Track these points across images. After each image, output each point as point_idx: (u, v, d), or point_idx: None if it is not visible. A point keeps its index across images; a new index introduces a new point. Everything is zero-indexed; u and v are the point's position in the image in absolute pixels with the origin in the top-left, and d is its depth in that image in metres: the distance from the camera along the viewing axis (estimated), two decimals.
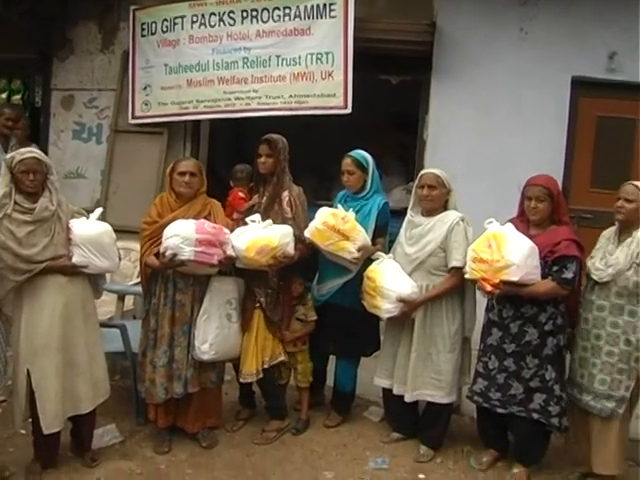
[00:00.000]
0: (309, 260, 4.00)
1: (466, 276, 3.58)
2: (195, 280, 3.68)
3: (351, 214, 3.80)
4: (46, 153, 6.03)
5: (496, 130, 5.60)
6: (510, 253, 3.35)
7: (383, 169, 6.58)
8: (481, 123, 5.61)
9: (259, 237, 3.65)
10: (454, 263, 3.66)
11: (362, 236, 3.78)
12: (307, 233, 3.81)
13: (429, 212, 3.82)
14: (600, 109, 5.63)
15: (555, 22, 5.49)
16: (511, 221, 3.62)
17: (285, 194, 3.89)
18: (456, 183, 5.52)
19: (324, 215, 3.82)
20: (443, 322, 3.75)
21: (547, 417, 3.51)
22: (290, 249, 3.73)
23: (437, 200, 3.78)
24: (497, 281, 3.39)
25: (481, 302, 3.81)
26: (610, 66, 5.50)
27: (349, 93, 5.19)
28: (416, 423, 3.99)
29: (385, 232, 4.06)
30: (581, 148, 5.69)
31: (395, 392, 3.86)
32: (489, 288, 3.43)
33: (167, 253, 3.47)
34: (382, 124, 7.73)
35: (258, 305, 3.84)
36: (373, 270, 3.78)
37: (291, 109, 5.36)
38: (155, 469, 3.63)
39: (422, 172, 3.89)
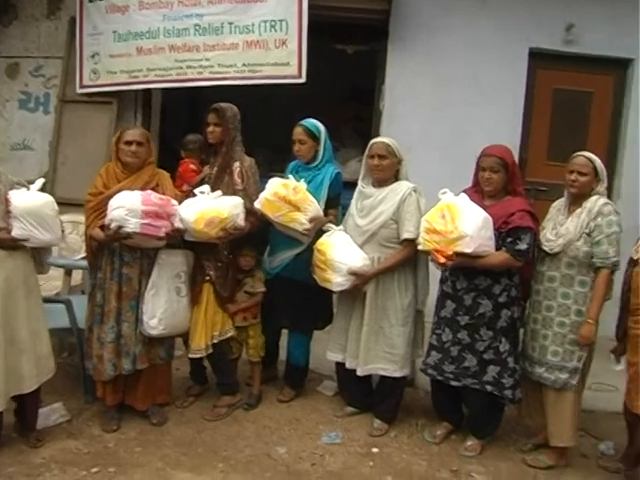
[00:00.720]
0: (260, 232, 3.91)
1: (419, 247, 3.53)
2: (143, 253, 3.57)
3: (302, 184, 3.71)
4: None
5: (453, 101, 5.55)
6: (464, 224, 3.30)
7: (340, 141, 6.53)
8: (438, 94, 5.56)
9: (208, 208, 3.55)
10: (406, 235, 3.61)
11: (314, 207, 3.70)
12: (257, 204, 3.71)
13: (380, 182, 3.75)
14: (557, 81, 5.64)
15: None
16: (465, 192, 3.57)
17: (236, 165, 3.78)
18: (412, 154, 5.46)
19: (275, 186, 3.72)
20: (395, 295, 3.71)
21: (500, 389, 3.51)
22: (240, 221, 3.64)
23: (388, 170, 3.71)
24: (450, 253, 3.34)
25: (435, 274, 3.78)
26: (567, 38, 5.48)
27: (303, 62, 5.07)
28: (370, 397, 3.96)
29: (338, 203, 3.98)
30: (538, 120, 5.69)
31: (347, 366, 3.81)
32: (442, 260, 3.39)
33: (112, 225, 3.35)
34: (339, 95, 7.61)
35: (208, 279, 3.75)
36: (323, 243, 3.70)
37: (244, 78, 5.21)
38: (103, 447, 3.52)
39: (372, 141, 3.80)
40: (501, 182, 3.50)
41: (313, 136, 3.89)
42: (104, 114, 5.66)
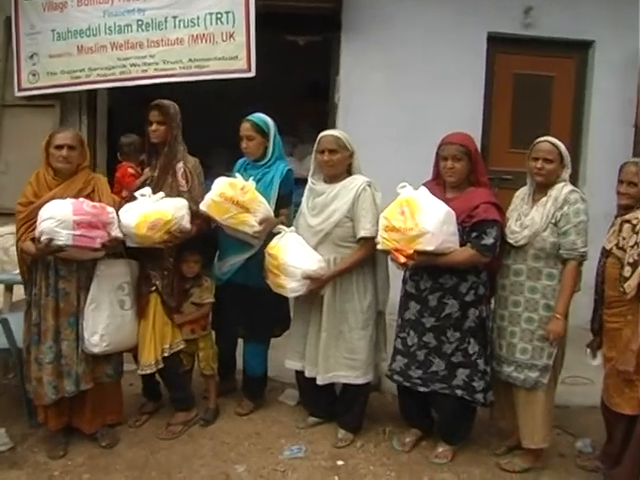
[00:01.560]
0: (206, 236, 3.67)
1: (378, 247, 3.30)
2: (79, 266, 3.32)
3: (251, 183, 3.47)
4: None
5: (411, 90, 5.38)
6: (424, 220, 3.08)
7: (298, 136, 6.30)
8: (395, 83, 5.39)
9: (150, 211, 3.33)
10: (363, 233, 3.39)
11: (264, 207, 3.46)
12: (203, 206, 3.46)
13: (332, 178, 3.52)
14: (517, 66, 5.51)
15: None
16: (425, 185, 3.36)
17: (179, 165, 3.55)
18: (370, 147, 5.30)
19: (221, 186, 3.47)
20: (354, 297, 3.49)
21: (471, 393, 3.32)
22: (186, 223, 3.41)
23: (339, 164, 3.48)
24: (411, 251, 3.12)
25: (397, 272, 3.56)
26: (526, 21, 5.33)
27: (252, 55, 4.84)
28: (334, 405, 3.74)
29: (289, 202, 3.76)
30: (499, 107, 5.54)
31: (307, 374, 3.59)
32: (403, 260, 3.16)
33: (42, 238, 3.10)
34: (297, 89, 7.39)
35: (154, 289, 3.52)
36: (274, 246, 3.46)
37: (191, 74, 4.96)
38: (48, 477, 3.26)
39: (321, 135, 3.54)
40: (464, 171, 3.29)
41: (262, 132, 3.66)
42: (46, 118, 5.35)
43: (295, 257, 3.38)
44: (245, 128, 3.66)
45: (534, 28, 5.31)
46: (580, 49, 5.48)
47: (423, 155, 5.21)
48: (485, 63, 5.38)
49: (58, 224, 3.08)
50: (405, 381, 3.43)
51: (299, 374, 3.72)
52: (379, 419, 3.86)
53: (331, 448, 3.56)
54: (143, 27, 5.00)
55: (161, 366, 3.54)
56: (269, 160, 3.68)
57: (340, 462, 3.44)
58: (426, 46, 5.34)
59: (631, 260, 2.96)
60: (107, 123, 5.90)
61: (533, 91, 5.48)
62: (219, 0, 4.88)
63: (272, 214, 3.53)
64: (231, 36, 4.87)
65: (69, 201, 3.17)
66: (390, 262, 3.46)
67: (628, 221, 3.09)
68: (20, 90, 5.37)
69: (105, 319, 3.33)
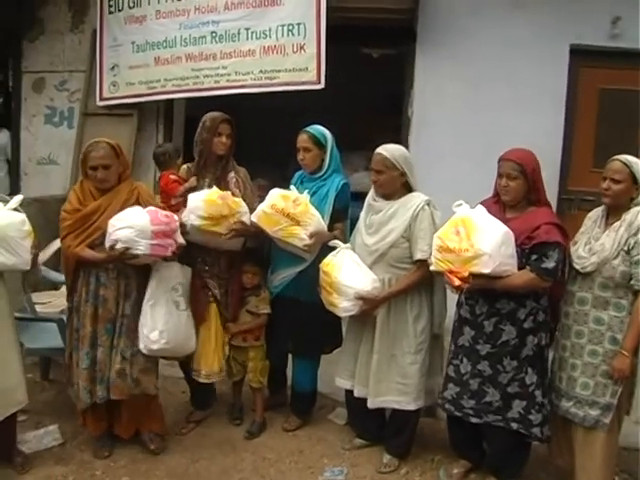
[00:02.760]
0: (264, 248, 3.67)
1: (431, 268, 3.13)
2: (120, 273, 3.32)
3: (305, 196, 3.42)
4: (18, 138, 5.91)
5: (487, 106, 5.18)
6: (481, 241, 2.89)
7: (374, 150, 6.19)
8: (470, 98, 5.20)
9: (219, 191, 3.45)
10: (419, 255, 3.24)
11: (315, 220, 3.39)
12: (254, 217, 3.45)
13: (386, 196, 3.39)
14: (603, 80, 5.18)
15: None
16: (483, 203, 3.18)
17: (231, 175, 3.63)
18: (443, 163, 5.21)
19: (273, 197, 3.45)
20: (408, 320, 3.34)
21: (527, 427, 3.09)
22: (246, 219, 3.45)
23: (387, 185, 3.35)
24: (466, 274, 2.94)
25: (453, 296, 3.39)
26: (613, 32, 5.01)
27: (322, 67, 4.82)
28: (382, 429, 3.60)
29: (345, 217, 3.66)
30: (582, 124, 5.24)
31: (356, 394, 3.47)
32: (457, 282, 2.97)
33: (118, 246, 3.12)
34: (371, 102, 7.29)
35: (212, 299, 3.57)
36: (328, 263, 3.35)
37: (261, 85, 5.01)
38: (90, 475, 3.32)
39: (375, 151, 3.41)
40: (520, 190, 3.08)
41: (319, 144, 3.60)
42: (125, 126, 5.57)
43: (349, 276, 3.27)
44: (302, 140, 3.61)
45: (622, 39, 4.98)
46: None
47: None
48: (567, 77, 5.10)
49: (137, 234, 3.11)
50: (457, 411, 3.23)
51: (349, 393, 3.60)
52: (429, 446, 3.68)
53: (374, 473, 3.43)
54: (217, 39, 5.11)
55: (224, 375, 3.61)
56: (325, 173, 3.62)
57: None
58: (504, 60, 5.13)
59: None
60: (185, 132, 6.05)
61: (620, 107, 5.14)
62: (291, 12, 4.91)
63: (325, 228, 3.46)
64: (302, 48, 4.88)
65: (145, 211, 3.21)
66: (445, 285, 3.31)
67: None
68: (102, 100, 5.61)
69: (163, 316, 3.33)
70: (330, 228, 3.52)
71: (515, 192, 3.09)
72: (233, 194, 3.53)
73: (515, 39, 5.10)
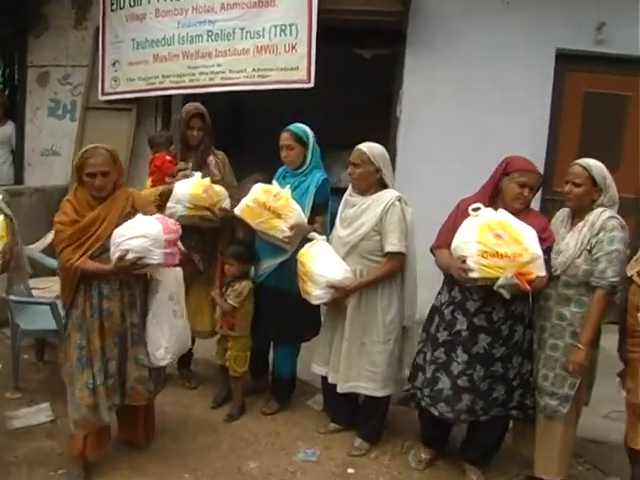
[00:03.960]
0: (250, 245, 3.90)
1: (473, 275, 2.94)
2: (122, 283, 3.19)
3: (286, 191, 3.62)
4: (23, 130, 6.11)
5: (474, 107, 5.32)
6: (532, 244, 2.91)
7: None
8: (459, 99, 5.34)
9: (204, 180, 3.84)
10: (389, 248, 3.41)
11: (296, 214, 3.60)
12: (237, 211, 3.68)
13: (361, 191, 3.56)
14: (588, 84, 5.31)
15: None
16: (467, 201, 3.24)
17: (210, 158, 4.07)
18: (431, 162, 5.35)
19: (255, 191, 3.65)
20: (377, 310, 3.50)
21: (525, 411, 3.27)
22: (227, 204, 3.88)
23: (362, 179, 3.51)
24: (533, 276, 2.89)
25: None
26: (598, 37, 5.13)
27: (312, 66, 4.97)
28: (355, 414, 3.78)
29: (325, 210, 3.83)
30: (567, 126, 5.37)
31: (330, 381, 3.66)
32: (527, 286, 2.90)
33: (129, 256, 2.98)
34: (363, 101, 7.43)
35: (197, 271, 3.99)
36: (304, 253, 3.53)
37: (254, 83, 5.18)
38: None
39: (355, 147, 3.57)
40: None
41: (301, 141, 3.77)
42: (124, 120, 5.75)
43: (322, 266, 3.44)
44: (285, 138, 3.78)
45: (607, 45, 5.10)
46: None
47: (485, 172, 5.19)
48: (553, 81, 5.22)
49: (152, 243, 3.00)
50: (471, 416, 3.25)
51: (324, 379, 3.78)
52: (401, 433, 3.84)
53: (345, 455, 3.60)
54: (213, 37, 5.27)
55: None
56: (306, 168, 3.79)
57: (351, 470, 3.48)
58: (491, 62, 5.26)
59: None
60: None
61: (605, 111, 5.27)
62: (284, 13, 5.06)
63: (305, 221, 3.65)
64: (293, 47, 5.03)
65: (154, 219, 3.11)
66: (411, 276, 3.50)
67: None
68: (103, 94, 5.80)
69: (167, 331, 3.29)
70: (311, 221, 3.70)
71: (529, 202, 3.19)
72: (214, 175, 3.97)
73: (503, 41, 5.24)
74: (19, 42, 6.18)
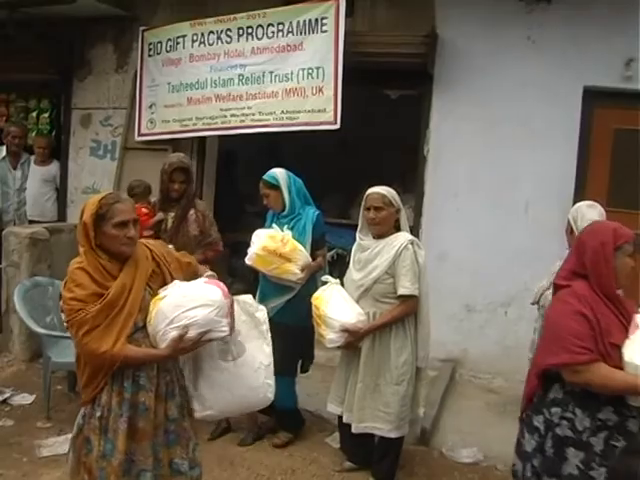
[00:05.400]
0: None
1: None
2: (159, 368, 2.56)
3: (288, 233, 3.79)
4: (66, 169, 6.41)
5: (501, 145, 5.31)
6: None
7: (404, 186, 6.40)
8: (485, 138, 5.34)
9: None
10: (402, 291, 3.45)
11: (303, 255, 3.80)
12: (248, 261, 3.88)
13: (379, 236, 3.61)
14: (617, 121, 5.22)
15: (565, 28, 5.13)
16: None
17: (191, 212, 4.18)
18: (458, 200, 5.38)
19: (262, 239, 3.84)
20: (390, 352, 3.53)
21: None
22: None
23: (385, 222, 3.56)
24: None
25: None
26: (626, 74, 5.09)
27: (338, 108, 5.06)
28: (371, 454, 3.78)
29: (323, 244, 4.11)
30: (596, 164, 5.29)
31: (344, 420, 3.69)
32: None
33: (192, 333, 2.43)
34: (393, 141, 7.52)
35: None
36: (317, 297, 3.60)
37: (283, 125, 5.30)
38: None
39: (368, 192, 3.63)
40: None
41: (273, 186, 3.97)
42: (160, 160, 5.90)
43: (335, 309, 3.50)
44: (260, 187, 4.03)
45: (635, 81, 5.05)
46: None
47: (512, 210, 5.22)
48: (580, 118, 5.18)
49: (217, 312, 2.47)
50: None
51: (339, 419, 3.81)
52: (417, 474, 3.84)
53: None
54: (243, 81, 5.45)
55: None
56: (290, 210, 3.96)
57: None
58: (519, 100, 5.25)
59: None
60: (223, 164, 6.51)
61: (635, 147, 5.18)
62: (311, 56, 5.19)
63: (310, 259, 3.84)
64: (320, 90, 5.15)
65: (209, 283, 2.59)
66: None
67: None
68: (140, 135, 6.05)
69: (211, 387, 2.69)
70: (311, 256, 3.89)
71: None
72: (191, 229, 4.14)
73: (530, 79, 5.21)
74: (65, 86, 6.52)
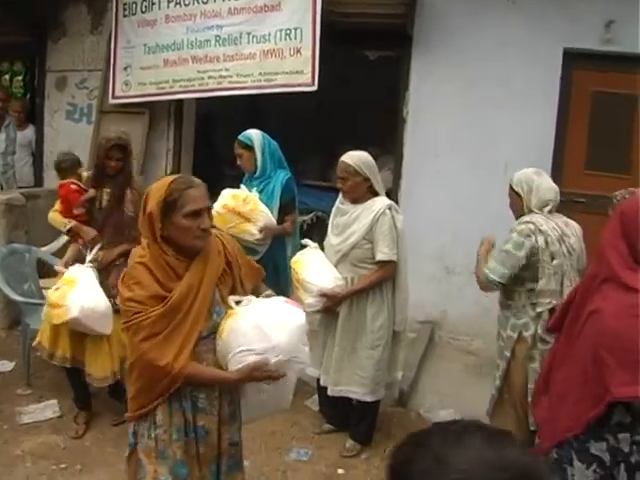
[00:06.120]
0: None
1: None
2: (222, 389, 2.33)
3: (254, 194, 3.77)
4: (42, 133, 6.30)
5: (481, 106, 5.28)
6: None
7: (384, 147, 6.35)
8: (465, 99, 5.31)
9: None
10: (380, 256, 3.46)
11: (264, 216, 3.79)
12: None
13: (352, 201, 3.60)
14: (596, 83, 5.21)
15: None
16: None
17: (127, 192, 3.84)
18: (439, 161, 5.37)
19: (224, 198, 3.83)
20: (366, 317, 3.56)
21: None
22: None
23: (353, 191, 3.55)
24: None
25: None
26: (606, 36, 5.05)
27: (316, 70, 5.00)
28: (349, 415, 3.84)
29: (293, 208, 4.08)
30: (575, 126, 5.29)
31: (322, 383, 3.75)
32: None
33: (273, 361, 2.18)
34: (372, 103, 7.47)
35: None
36: (296, 261, 3.61)
37: (260, 87, 5.25)
38: (80, 444, 3.71)
39: (340, 160, 3.60)
40: None
41: (247, 147, 3.96)
42: (137, 124, 5.87)
43: (313, 274, 3.51)
44: (235, 147, 4.00)
45: (615, 43, 5.02)
46: None
47: (492, 171, 5.23)
48: (560, 80, 5.16)
49: (299, 338, 2.25)
50: None
51: (318, 381, 3.85)
52: (394, 435, 3.90)
53: (337, 456, 3.69)
54: (220, 42, 5.36)
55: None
56: (262, 172, 3.95)
57: (341, 470, 3.57)
58: (499, 61, 5.21)
59: None
60: (201, 128, 6.42)
61: (613, 110, 5.18)
62: (289, 17, 5.10)
63: (274, 222, 3.84)
64: (298, 51, 5.08)
65: (287, 301, 2.36)
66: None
67: None
68: (114, 98, 5.94)
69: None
70: (281, 221, 3.91)
71: None
72: (128, 210, 3.80)
73: (510, 40, 5.17)
74: (39, 48, 6.37)
